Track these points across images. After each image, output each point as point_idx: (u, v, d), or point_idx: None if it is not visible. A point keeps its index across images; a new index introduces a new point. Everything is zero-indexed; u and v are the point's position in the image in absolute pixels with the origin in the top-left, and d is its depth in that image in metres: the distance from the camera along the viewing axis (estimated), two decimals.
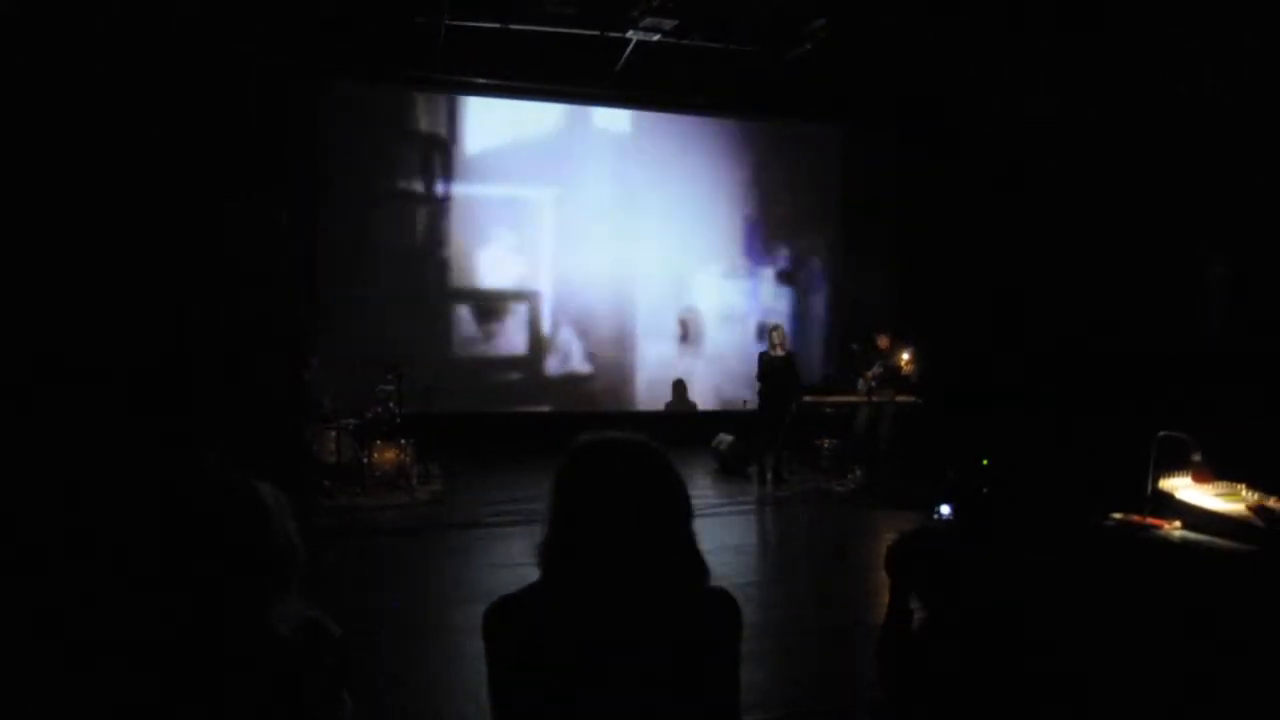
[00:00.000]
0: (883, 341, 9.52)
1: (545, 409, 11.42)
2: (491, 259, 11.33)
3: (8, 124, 7.49)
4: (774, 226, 12.41)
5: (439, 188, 11.17)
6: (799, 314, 12.47)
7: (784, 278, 12.47)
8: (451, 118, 11.25)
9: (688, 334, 12.07)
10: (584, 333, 11.63)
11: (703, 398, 11.99)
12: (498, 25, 9.62)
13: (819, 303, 12.68)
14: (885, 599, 2.19)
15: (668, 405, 11.85)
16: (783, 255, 12.50)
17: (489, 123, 11.29)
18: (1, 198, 7.45)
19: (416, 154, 11.14)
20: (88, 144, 8.06)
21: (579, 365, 11.65)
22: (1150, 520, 3.79)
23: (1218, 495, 3.79)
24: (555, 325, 11.55)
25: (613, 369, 11.75)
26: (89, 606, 3.34)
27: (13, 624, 3.77)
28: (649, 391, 11.86)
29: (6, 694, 3.18)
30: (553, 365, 11.56)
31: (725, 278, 12.24)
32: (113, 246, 8.22)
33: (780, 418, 9.17)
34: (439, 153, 11.20)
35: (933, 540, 2.26)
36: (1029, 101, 9.52)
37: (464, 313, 11.26)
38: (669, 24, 9.44)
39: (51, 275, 7.72)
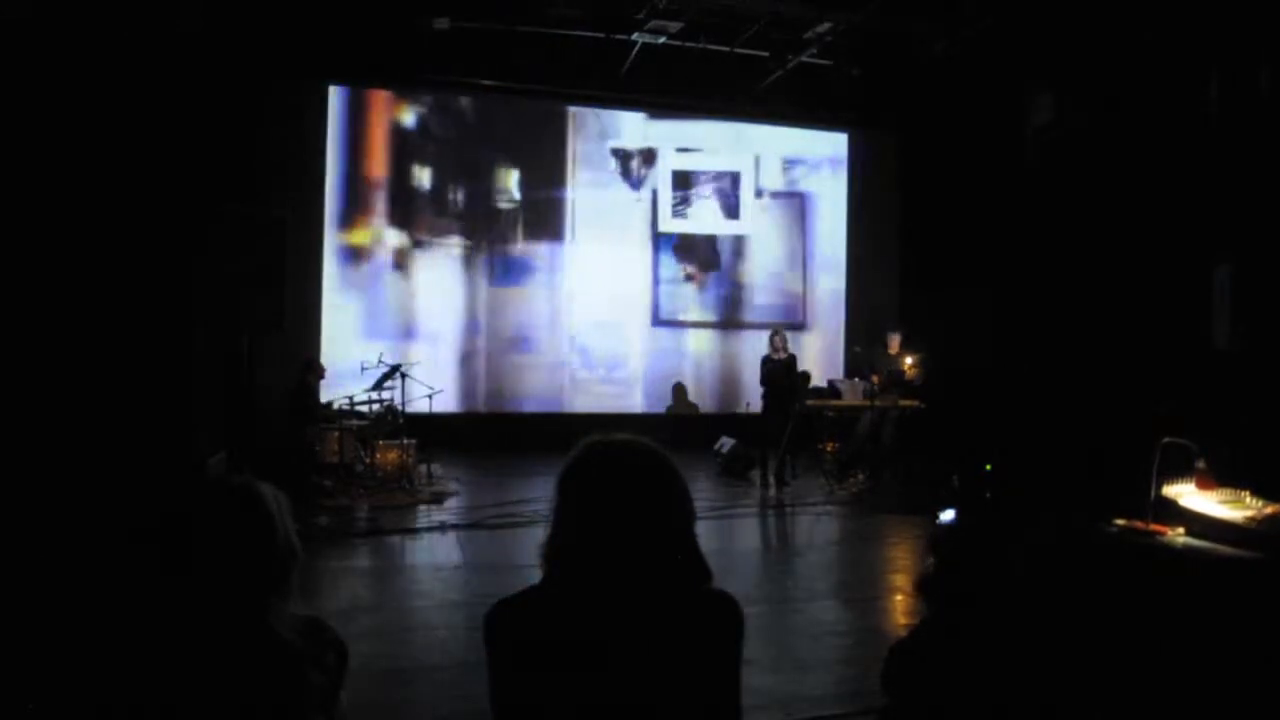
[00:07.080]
0: (893, 345, 9.48)
1: (551, 410, 11.43)
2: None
3: (7, 124, 7.48)
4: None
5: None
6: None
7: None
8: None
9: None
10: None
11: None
12: (504, 27, 9.63)
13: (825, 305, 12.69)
14: (890, 602, 2.18)
15: (669, 408, 11.84)
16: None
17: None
18: (3, 198, 7.44)
19: (426, 155, 11.17)
20: (89, 145, 8.05)
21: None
22: (1153, 527, 3.77)
23: (1222, 502, 3.77)
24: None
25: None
26: (90, 607, 3.34)
27: (13, 625, 3.77)
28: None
29: (7, 694, 3.18)
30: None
31: None
32: (113, 248, 8.20)
33: (782, 421, 9.15)
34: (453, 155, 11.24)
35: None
36: (1035, 106, 9.51)
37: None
38: (674, 26, 9.44)
39: (51, 276, 7.71)
